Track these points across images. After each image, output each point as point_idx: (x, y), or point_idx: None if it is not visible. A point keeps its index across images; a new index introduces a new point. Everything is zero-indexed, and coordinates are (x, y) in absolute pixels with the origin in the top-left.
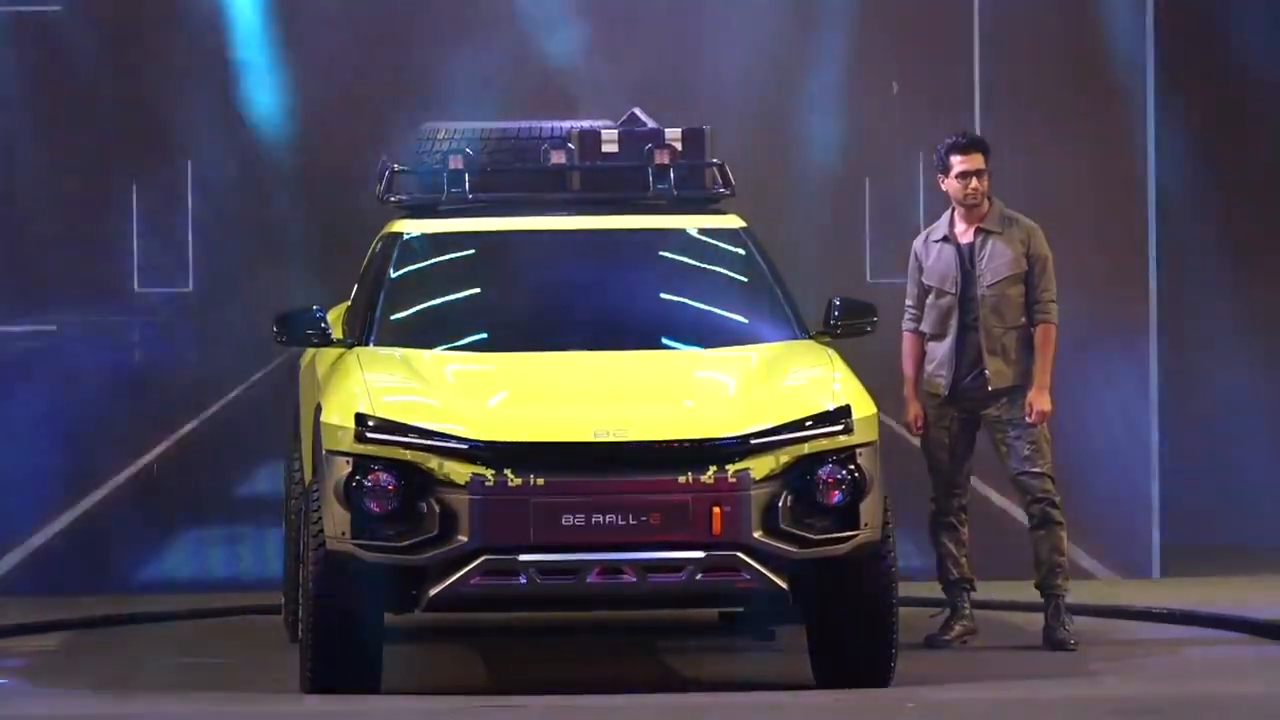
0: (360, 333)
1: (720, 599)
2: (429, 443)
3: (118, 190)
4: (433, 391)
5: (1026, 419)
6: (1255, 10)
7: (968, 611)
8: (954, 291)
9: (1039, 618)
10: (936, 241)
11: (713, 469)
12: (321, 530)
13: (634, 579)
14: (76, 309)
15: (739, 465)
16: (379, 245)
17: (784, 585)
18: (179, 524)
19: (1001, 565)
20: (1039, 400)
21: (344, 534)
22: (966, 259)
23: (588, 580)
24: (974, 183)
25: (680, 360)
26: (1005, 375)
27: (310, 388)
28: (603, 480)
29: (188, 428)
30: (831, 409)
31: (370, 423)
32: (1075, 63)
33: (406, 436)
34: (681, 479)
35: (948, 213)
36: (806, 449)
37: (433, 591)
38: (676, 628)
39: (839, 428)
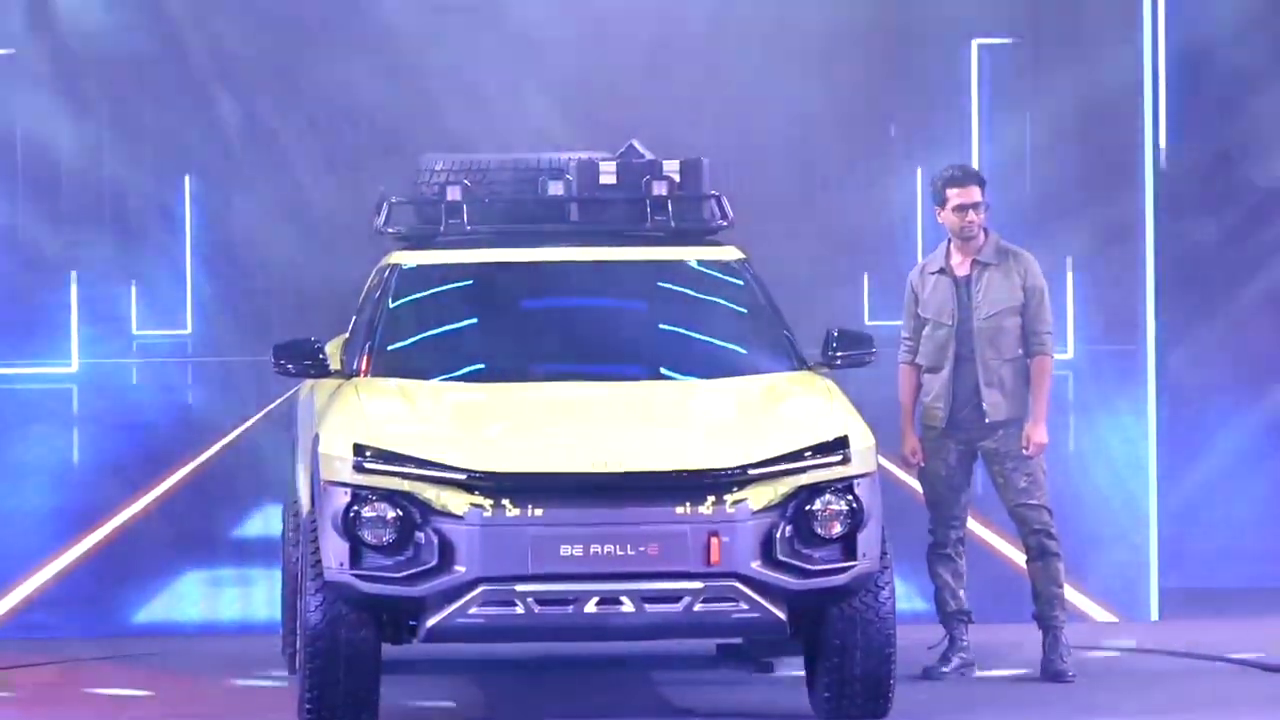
0: (358, 363)
1: (718, 629)
2: (427, 473)
3: None
4: (430, 422)
5: (1023, 451)
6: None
7: (965, 643)
8: (950, 323)
9: (1037, 649)
10: (933, 274)
11: (711, 499)
12: (319, 561)
13: (632, 609)
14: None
15: (737, 496)
16: (377, 276)
17: (782, 616)
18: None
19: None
20: (1036, 433)
21: (342, 565)
22: (963, 291)
23: (585, 611)
24: (970, 215)
25: (678, 391)
26: (1002, 407)
27: (308, 418)
28: (601, 510)
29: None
30: (830, 439)
31: (368, 453)
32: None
33: (404, 467)
34: (679, 509)
35: (943, 244)
36: (805, 479)
37: (431, 622)
38: (674, 659)
39: (837, 458)
